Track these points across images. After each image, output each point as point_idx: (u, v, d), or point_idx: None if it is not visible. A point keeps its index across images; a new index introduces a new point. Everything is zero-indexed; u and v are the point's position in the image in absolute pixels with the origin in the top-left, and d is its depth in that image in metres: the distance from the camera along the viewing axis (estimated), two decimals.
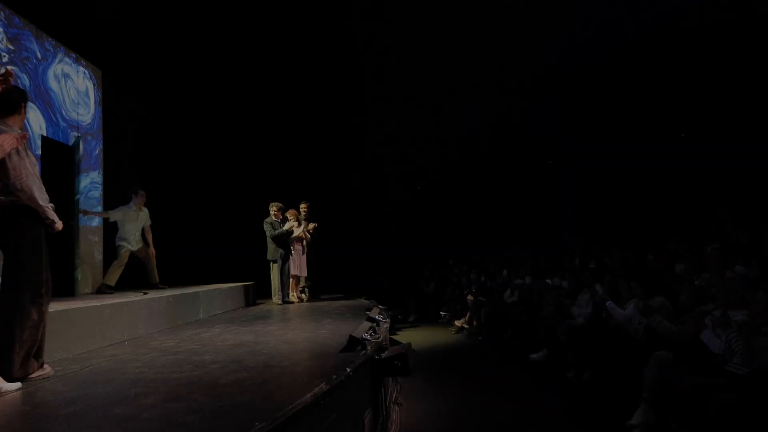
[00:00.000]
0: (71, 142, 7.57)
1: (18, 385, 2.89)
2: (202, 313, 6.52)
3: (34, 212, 3.11)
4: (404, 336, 9.67)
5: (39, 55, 6.98)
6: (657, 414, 3.77)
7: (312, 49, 12.99)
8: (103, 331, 4.41)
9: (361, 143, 15.03)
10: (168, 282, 7.69)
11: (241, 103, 12.84)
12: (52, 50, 7.27)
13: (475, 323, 9.65)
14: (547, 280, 8.13)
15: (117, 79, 9.02)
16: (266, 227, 8.10)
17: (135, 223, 7.25)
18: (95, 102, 8.40)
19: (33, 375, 3.02)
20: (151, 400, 2.46)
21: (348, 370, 2.91)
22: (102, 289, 6.90)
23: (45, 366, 3.14)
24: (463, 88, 14.15)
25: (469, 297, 10.19)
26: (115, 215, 7.19)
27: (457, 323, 10.25)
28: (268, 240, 8.09)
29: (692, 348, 3.96)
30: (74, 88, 7.76)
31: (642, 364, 3.99)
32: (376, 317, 5.24)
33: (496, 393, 5.59)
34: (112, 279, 7.01)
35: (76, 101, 7.79)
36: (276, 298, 8.18)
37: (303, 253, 8.65)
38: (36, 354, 3.06)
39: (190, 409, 2.28)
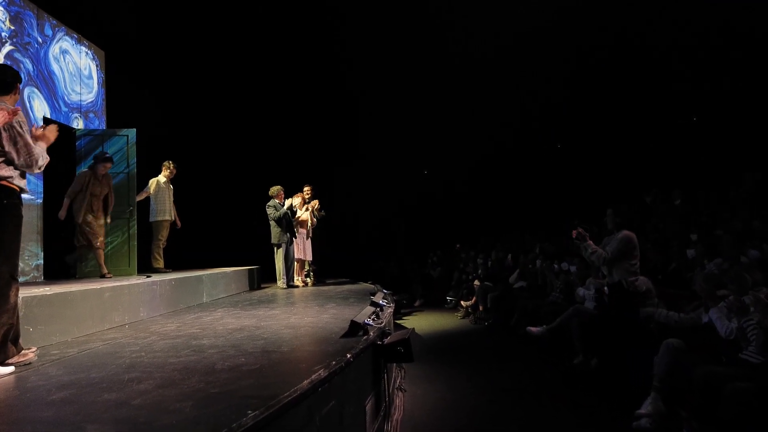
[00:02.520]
0: (73, 124, 7.49)
1: (11, 369, 2.83)
2: (206, 296, 6.48)
3: (17, 194, 3.05)
4: (410, 321, 9.62)
5: (40, 40, 6.89)
6: (667, 403, 3.67)
7: (312, 36, 12.89)
8: (104, 315, 4.36)
9: (365, 125, 14.90)
10: (172, 265, 7.66)
11: (245, 90, 12.75)
12: (51, 33, 7.17)
13: (481, 308, 9.57)
14: (554, 265, 8.01)
15: (121, 60, 8.92)
16: (269, 210, 8.02)
17: (168, 194, 7.49)
18: (98, 83, 8.32)
19: (12, 360, 2.93)
20: (144, 385, 2.39)
21: (348, 356, 2.83)
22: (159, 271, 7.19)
23: (26, 351, 3.05)
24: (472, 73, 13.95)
25: (476, 282, 10.09)
26: (151, 190, 7.39)
27: (464, 303, 10.20)
28: (272, 224, 8.01)
29: (704, 335, 3.85)
30: (73, 62, 7.68)
31: (653, 351, 3.88)
32: (380, 302, 5.15)
33: (502, 379, 5.51)
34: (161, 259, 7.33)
35: (77, 75, 7.70)
36: (281, 282, 8.13)
37: (307, 237, 8.59)
38: (13, 339, 2.98)
39: (182, 395, 2.20)
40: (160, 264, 7.41)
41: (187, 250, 9.06)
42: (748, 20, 10.11)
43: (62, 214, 6.27)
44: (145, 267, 7.31)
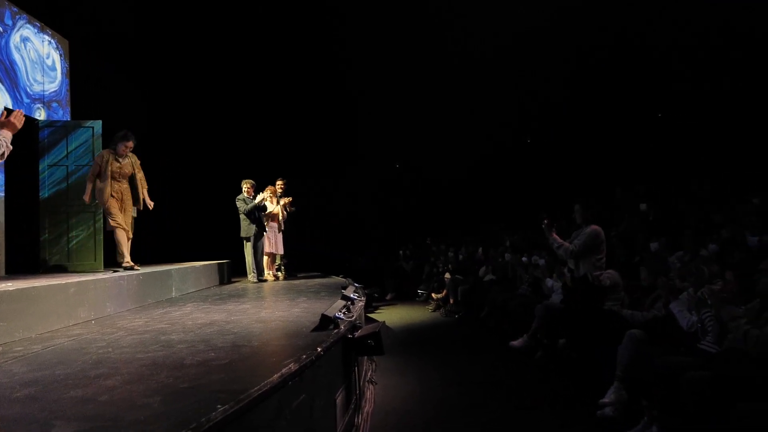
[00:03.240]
0: (35, 114, 7.29)
1: None
2: (175, 291, 6.39)
3: None
4: (382, 314, 9.68)
5: (0, 29, 6.68)
6: (629, 392, 3.79)
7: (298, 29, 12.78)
8: (69, 310, 4.27)
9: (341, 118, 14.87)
10: (140, 260, 7.51)
11: (215, 80, 12.55)
12: (11, 22, 6.95)
13: (451, 301, 9.69)
14: (523, 258, 8.15)
15: (86, 49, 8.68)
16: (238, 204, 7.96)
17: None
18: (62, 73, 8.09)
19: None
20: (111, 381, 2.36)
21: (319, 349, 2.85)
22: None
23: None
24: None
25: (447, 275, 10.21)
26: None
27: (434, 295, 10.32)
28: (242, 217, 7.95)
29: (664, 327, 3.99)
30: (35, 50, 7.45)
31: (616, 343, 4.00)
32: (351, 295, 5.17)
33: (472, 371, 5.61)
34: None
35: (38, 64, 7.48)
36: (251, 276, 8.08)
37: (278, 231, 8.54)
38: None
39: (151, 390, 2.19)
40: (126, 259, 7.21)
41: (156, 244, 8.92)
42: (748, 20, 10.35)
43: (86, 198, 6.01)
44: (113, 262, 7.16)
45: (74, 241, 6.67)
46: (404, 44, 13.41)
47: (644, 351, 3.73)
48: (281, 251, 8.69)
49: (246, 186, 8.11)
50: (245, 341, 3.23)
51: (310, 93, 14.21)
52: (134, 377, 2.43)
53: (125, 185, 6.11)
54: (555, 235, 5.42)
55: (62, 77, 8.08)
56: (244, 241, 8.03)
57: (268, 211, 8.19)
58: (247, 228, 7.91)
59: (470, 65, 13.72)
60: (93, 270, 6.50)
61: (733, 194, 8.11)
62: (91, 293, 4.61)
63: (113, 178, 5.94)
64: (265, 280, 8.19)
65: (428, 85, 14.36)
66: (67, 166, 6.78)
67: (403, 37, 13.29)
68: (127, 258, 6.04)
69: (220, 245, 10.35)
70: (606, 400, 3.93)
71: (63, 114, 8.00)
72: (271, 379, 2.24)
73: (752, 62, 10.94)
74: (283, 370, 2.38)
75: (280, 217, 8.54)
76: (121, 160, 6.03)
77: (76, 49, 8.46)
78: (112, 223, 5.96)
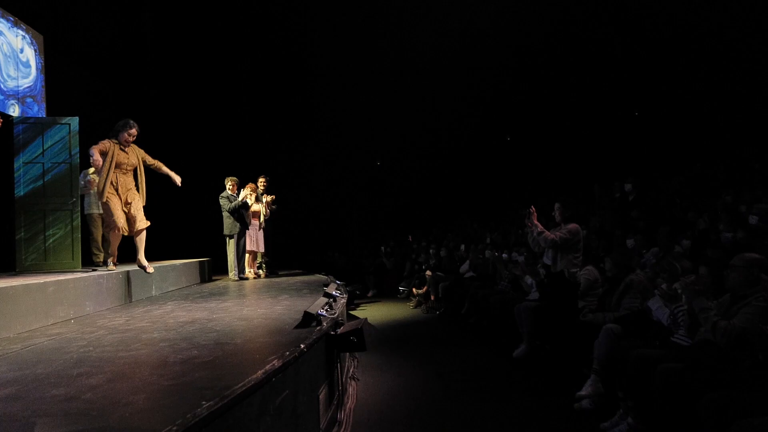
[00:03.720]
0: (9, 111, 7.15)
1: None
2: (155, 290, 6.35)
3: None
4: (363, 312, 9.71)
5: None
6: (605, 385, 3.89)
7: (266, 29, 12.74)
8: (47, 310, 4.22)
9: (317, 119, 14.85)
10: (119, 258, 7.42)
11: (195, 78, 12.44)
12: None
13: (432, 298, 9.76)
14: (503, 255, 8.25)
15: (62, 45, 8.54)
16: (222, 201, 7.92)
17: None
18: (37, 69, 7.95)
19: None
20: (94, 380, 2.36)
21: (302, 346, 2.87)
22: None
23: None
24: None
25: (428, 272, 10.28)
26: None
27: (416, 291, 10.40)
28: (225, 215, 7.91)
29: (639, 321, 4.10)
30: (9, 45, 7.31)
31: (593, 337, 4.10)
32: (333, 293, 5.20)
33: (453, 367, 5.67)
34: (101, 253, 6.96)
35: (12, 58, 7.34)
36: (232, 274, 8.04)
37: (260, 228, 8.52)
38: None
39: (134, 388, 2.20)
40: (101, 258, 7.10)
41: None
42: (692, 16, 10.58)
43: (101, 194, 5.56)
44: (90, 261, 7.07)
45: (51, 240, 6.56)
46: (379, 44, 13.47)
47: (620, 345, 3.82)
48: (262, 249, 8.66)
49: (230, 183, 8.06)
50: (228, 339, 3.24)
51: (289, 90, 14.17)
52: (117, 375, 2.43)
53: (129, 177, 5.64)
54: (537, 222, 5.39)
55: (37, 73, 7.94)
56: (227, 239, 7.99)
57: (250, 208, 8.15)
58: (230, 225, 7.88)
59: (450, 61, 13.81)
60: (71, 269, 6.41)
61: (707, 191, 8.31)
62: (70, 292, 4.56)
63: (119, 168, 5.49)
64: (247, 278, 8.16)
65: (408, 81, 14.42)
66: (43, 163, 6.65)
67: (380, 37, 13.34)
68: (115, 259, 5.95)
69: (199, 243, 10.29)
70: (583, 392, 4.03)
71: (38, 110, 7.87)
72: (255, 376, 2.26)
73: (729, 58, 11.21)
74: (267, 367, 2.41)
75: (263, 215, 8.51)
76: (126, 150, 5.57)
77: (52, 44, 8.32)
78: (111, 223, 5.48)
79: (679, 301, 3.68)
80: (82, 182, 6.96)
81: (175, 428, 1.68)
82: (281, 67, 13.90)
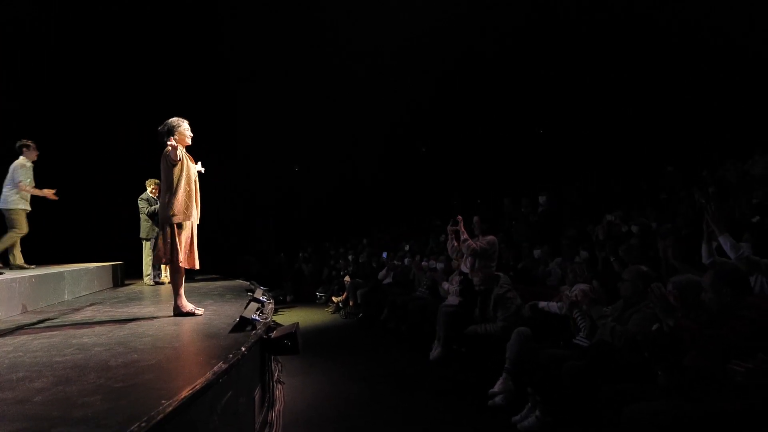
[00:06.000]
0: None
1: None
2: (67, 294, 6.09)
3: None
4: (283, 317, 9.75)
5: None
6: (516, 382, 4.31)
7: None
8: None
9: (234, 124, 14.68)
10: (29, 260, 7.01)
11: (111, 71, 11.91)
12: None
13: (351, 303, 10.00)
14: (423, 262, 8.64)
15: None
16: (141, 204, 7.69)
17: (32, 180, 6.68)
18: None
19: None
20: (39, 384, 2.37)
21: (243, 349, 3.00)
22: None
23: None
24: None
25: (347, 278, 10.50)
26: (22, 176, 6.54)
27: (335, 299, 10.58)
28: (143, 218, 7.69)
29: (546, 324, 4.58)
30: None
31: (505, 339, 4.52)
32: (261, 298, 5.29)
33: (374, 369, 5.93)
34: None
35: None
36: (147, 278, 7.84)
37: None
38: None
39: (85, 390, 2.24)
40: (19, 260, 6.72)
41: (42, 242, 8.34)
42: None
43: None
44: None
45: None
46: (299, 50, 13.60)
47: (529, 346, 4.27)
48: None
49: (150, 186, 7.82)
50: (165, 343, 3.29)
51: (207, 92, 13.88)
52: (62, 379, 2.45)
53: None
54: (464, 229, 5.81)
55: None
56: (144, 242, 7.77)
57: None
58: (148, 229, 7.67)
59: (369, 71, 14.16)
60: None
61: (603, 206, 9.17)
62: None
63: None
64: (163, 283, 7.97)
65: (327, 88, 14.58)
66: None
67: (300, 43, 13.47)
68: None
69: (107, 245, 9.87)
70: (496, 389, 4.44)
71: None
72: (206, 377, 2.38)
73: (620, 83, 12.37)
74: (215, 368, 2.53)
75: None
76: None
77: None
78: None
79: (578, 307, 4.17)
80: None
81: (143, 425, 1.79)
82: (199, 66, 13.57)
